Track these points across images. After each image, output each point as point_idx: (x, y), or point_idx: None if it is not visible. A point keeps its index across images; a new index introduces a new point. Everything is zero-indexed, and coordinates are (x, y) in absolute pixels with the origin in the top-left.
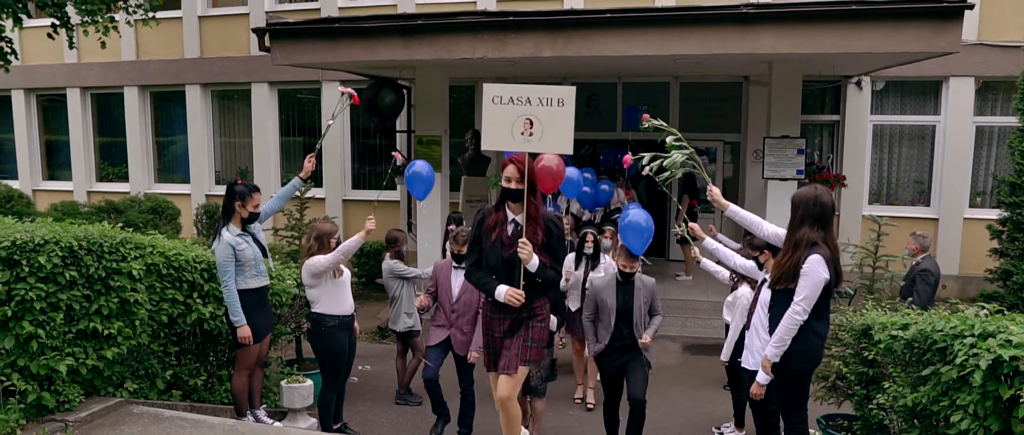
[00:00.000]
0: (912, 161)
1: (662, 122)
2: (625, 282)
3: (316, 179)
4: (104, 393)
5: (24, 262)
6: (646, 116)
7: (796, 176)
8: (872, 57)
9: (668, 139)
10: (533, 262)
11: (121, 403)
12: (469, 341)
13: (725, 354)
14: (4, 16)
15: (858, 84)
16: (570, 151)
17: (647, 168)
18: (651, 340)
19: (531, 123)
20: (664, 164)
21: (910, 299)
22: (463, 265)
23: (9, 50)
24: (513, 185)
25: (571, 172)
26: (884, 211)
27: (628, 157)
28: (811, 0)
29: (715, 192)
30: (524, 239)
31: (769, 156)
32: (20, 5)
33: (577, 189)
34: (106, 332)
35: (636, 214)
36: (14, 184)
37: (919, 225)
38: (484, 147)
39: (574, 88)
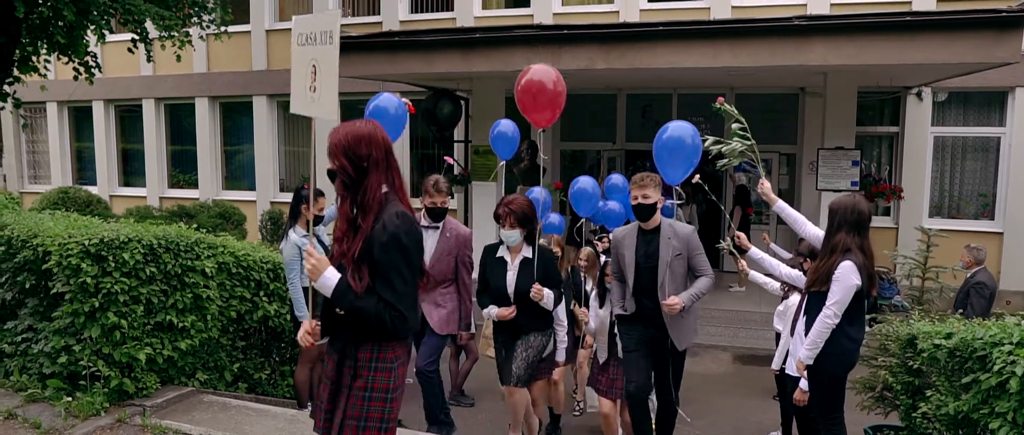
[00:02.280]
0: (976, 174)
1: (733, 109)
2: (648, 227)
3: None
4: (177, 382)
5: (110, 258)
6: (720, 99)
7: (851, 188)
8: (929, 68)
9: (733, 126)
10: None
11: (193, 392)
12: (449, 315)
13: (776, 362)
14: (91, 32)
15: (918, 95)
16: (335, 117)
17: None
18: (681, 305)
19: (315, 72)
20: (723, 151)
21: (961, 311)
22: (437, 224)
23: (94, 64)
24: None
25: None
26: (946, 225)
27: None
28: (864, 12)
29: (766, 185)
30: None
31: (823, 167)
32: (104, 22)
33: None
34: (181, 325)
35: (677, 127)
36: (93, 190)
37: (983, 240)
38: (292, 109)
39: (338, 12)
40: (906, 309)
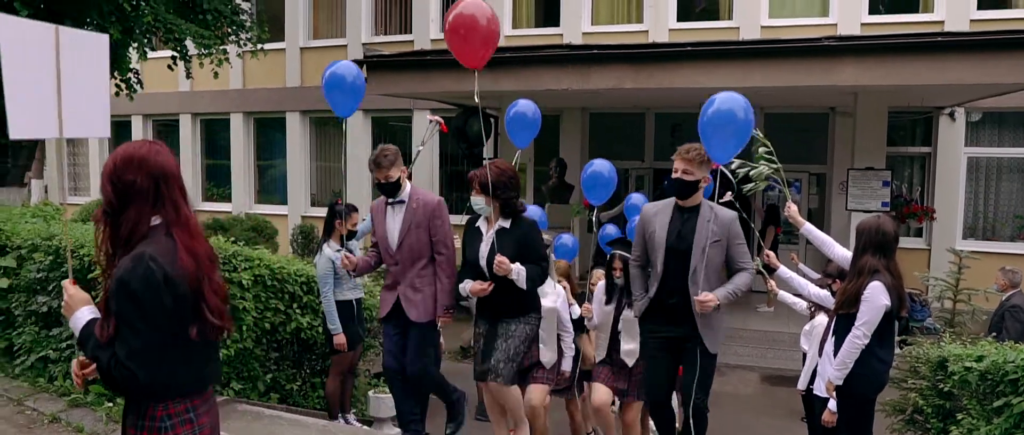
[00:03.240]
0: (1012, 195)
1: (758, 132)
2: (686, 205)
3: None
4: (214, 391)
5: None
6: None
7: (882, 208)
8: (962, 89)
9: (760, 150)
10: (517, 276)
11: (228, 401)
12: (426, 302)
13: (802, 382)
14: (134, 50)
15: (951, 115)
16: (106, 134)
17: (733, 174)
18: (715, 303)
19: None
20: (750, 175)
21: (994, 334)
22: (398, 199)
23: (136, 80)
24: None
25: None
26: (980, 247)
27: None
28: (895, 32)
29: (793, 209)
30: (499, 258)
31: (853, 188)
32: (147, 40)
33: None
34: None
35: (727, 99)
36: None
37: (1018, 262)
38: (12, 136)
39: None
40: (937, 331)
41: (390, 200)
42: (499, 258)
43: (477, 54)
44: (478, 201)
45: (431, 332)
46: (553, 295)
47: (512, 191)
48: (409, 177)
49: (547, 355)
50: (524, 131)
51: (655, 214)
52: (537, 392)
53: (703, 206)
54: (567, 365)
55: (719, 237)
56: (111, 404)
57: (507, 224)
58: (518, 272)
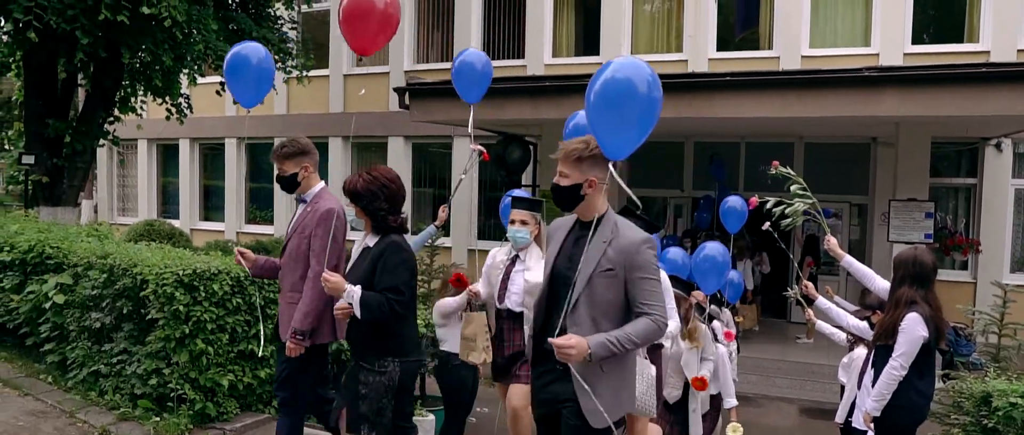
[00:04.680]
0: None
1: (789, 170)
2: (585, 219)
3: (445, 228)
4: (255, 409)
5: (201, 288)
6: (775, 163)
7: (924, 240)
8: (1009, 120)
9: (793, 188)
10: (349, 297)
11: (268, 418)
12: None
13: (840, 415)
14: (185, 76)
15: (998, 146)
16: None
17: (770, 213)
18: (580, 352)
19: None
20: (786, 212)
21: None
22: (302, 198)
23: (186, 105)
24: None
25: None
26: None
27: (754, 199)
28: (938, 62)
29: (832, 242)
30: (326, 272)
31: (895, 219)
32: (197, 67)
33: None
34: (261, 354)
35: (622, 64)
36: (176, 223)
37: None
38: None
39: None
40: (982, 366)
41: (297, 198)
42: (326, 273)
43: (375, 41)
44: (349, 212)
45: (296, 358)
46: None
47: (383, 202)
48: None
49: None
50: (474, 87)
51: (557, 229)
52: (519, 393)
53: (606, 223)
54: None
55: (613, 265)
56: (158, 418)
57: (372, 242)
58: (350, 294)
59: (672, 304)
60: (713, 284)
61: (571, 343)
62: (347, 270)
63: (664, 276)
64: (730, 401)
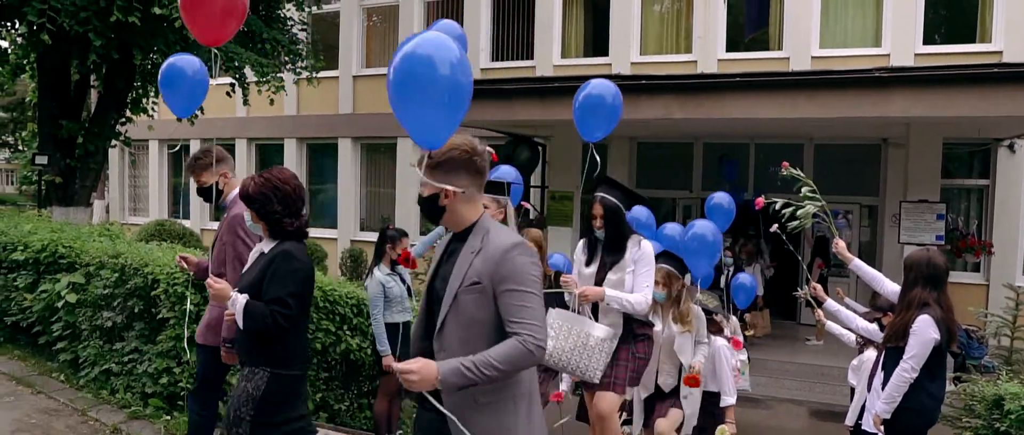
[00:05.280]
0: None
1: (800, 172)
2: (458, 230)
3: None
4: None
5: None
6: (785, 164)
7: (936, 242)
8: (1021, 120)
9: (803, 190)
10: (232, 305)
11: None
12: (210, 323)
13: (850, 418)
14: None
15: (1010, 147)
16: None
17: (778, 214)
18: (424, 379)
19: None
20: (796, 214)
21: None
22: (224, 205)
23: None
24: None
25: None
26: None
27: (760, 200)
28: (949, 63)
29: (841, 245)
30: (210, 278)
31: (906, 221)
32: (209, 68)
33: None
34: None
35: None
36: (186, 223)
37: None
38: None
39: None
40: (994, 369)
41: (219, 205)
42: (210, 279)
43: (220, 31)
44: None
45: (210, 359)
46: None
47: (276, 205)
48: None
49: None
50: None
51: (441, 245)
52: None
53: (477, 231)
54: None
55: (479, 278)
56: (168, 417)
57: (267, 248)
58: (234, 302)
59: (650, 281)
60: (705, 266)
61: (412, 368)
62: (242, 274)
63: (647, 249)
64: (727, 399)
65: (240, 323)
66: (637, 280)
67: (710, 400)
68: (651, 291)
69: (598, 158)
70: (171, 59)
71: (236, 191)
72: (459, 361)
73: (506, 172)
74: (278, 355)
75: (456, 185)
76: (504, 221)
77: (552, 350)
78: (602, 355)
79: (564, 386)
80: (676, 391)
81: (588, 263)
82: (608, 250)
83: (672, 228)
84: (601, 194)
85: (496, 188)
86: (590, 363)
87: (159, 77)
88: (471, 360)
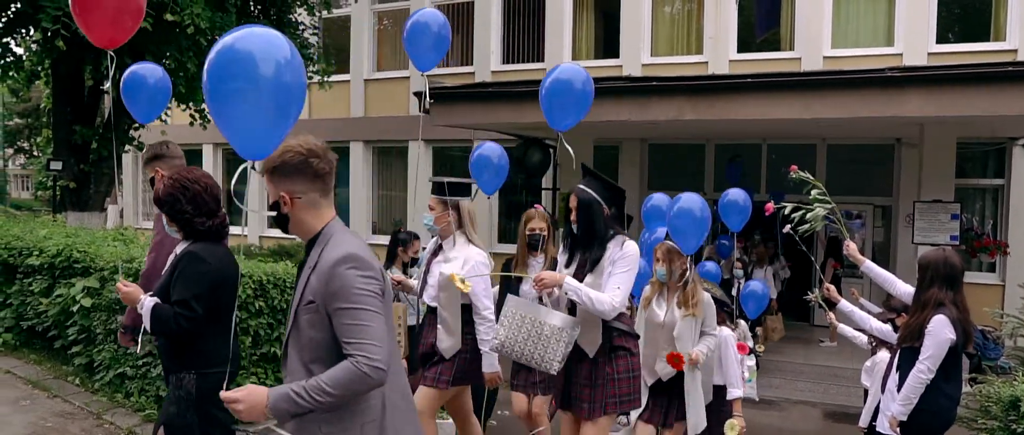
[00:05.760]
0: None
1: (808, 175)
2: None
3: None
4: None
5: None
6: (793, 167)
7: (950, 242)
8: None
9: (813, 192)
10: (141, 308)
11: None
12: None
13: (863, 419)
14: None
15: None
16: None
17: (788, 218)
18: (249, 407)
19: None
20: (806, 217)
21: None
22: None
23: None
24: None
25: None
26: None
27: (770, 205)
28: (964, 62)
29: (852, 247)
30: (120, 283)
31: (920, 221)
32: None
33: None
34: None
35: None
36: None
37: None
38: None
39: None
40: (1010, 370)
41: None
42: (120, 282)
43: (115, 29)
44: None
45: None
46: (461, 261)
47: (186, 205)
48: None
49: (447, 342)
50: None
51: None
52: (420, 395)
53: (318, 244)
54: (489, 364)
55: (314, 296)
56: None
57: (179, 249)
58: (142, 305)
59: (624, 284)
60: (692, 244)
61: (237, 396)
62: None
63: (630, 250)
64: (734, 392)
65: (147, 325)
66: (609, 280)
67: (716, 394)
68: (622, 296)
69: (570, 149)
70: (134, 67)
71: None
72: (289, 387)
73: (491, 150)
74: (200, 358)
75: (293, 191)
76: (460, 225)
77: (504, 339)
78: (559, 345)
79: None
80: (678, 389)
81: (568, 263)
82: (582, 247)
83: (659, 198)
84: (579, 186)
85: (438, 189)
86: (546, 353)
87: (122, 84)
88: (302, 385)
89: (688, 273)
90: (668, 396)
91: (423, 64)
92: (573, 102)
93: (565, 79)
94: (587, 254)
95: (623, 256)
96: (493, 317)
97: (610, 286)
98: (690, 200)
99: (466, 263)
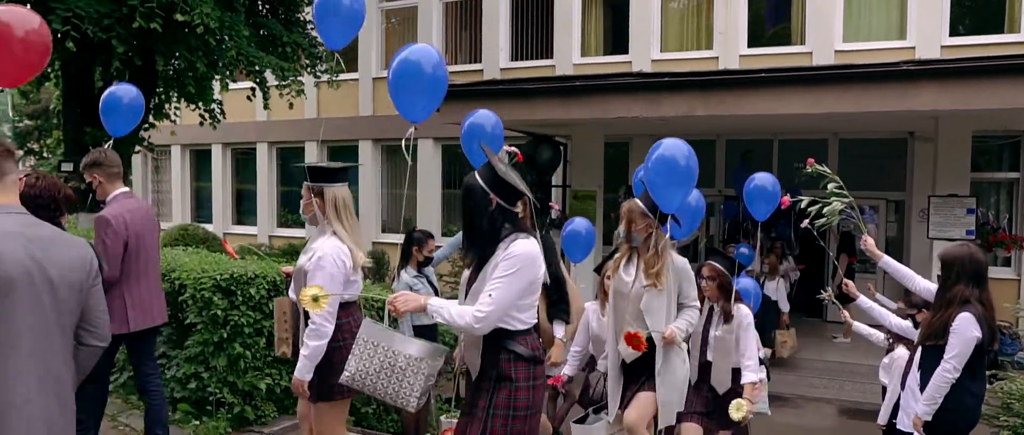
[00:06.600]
0: None
1: (826, 168)
2: None
3: None
4: (291, 412)
5: (238, 292)
6: (811, 160)
7: (966, 237)
8: None
9: (830, 186)
10: None
11: None
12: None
13: (882, 417)
14: (218, 82)
15: None
16: None
17: (805, 212)
18: None
19: None
20: (823, 211)
21: None
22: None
23: (219, 111)
24: None
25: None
26: None
27: (786, 199)
28: (978, 55)
29: (869, 242)
30: None
31: (935, 215)
32: (230, 73)
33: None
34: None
35: (671, 144)
36: (209, 227)
37: None
38: None
39: None
40: None
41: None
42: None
43: (22, 69)
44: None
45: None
46: (310, 253)
47: (43, 211)
48: None
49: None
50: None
51: None
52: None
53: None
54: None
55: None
56: (197, 422)
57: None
58: None
59: (502, 295)
60: (672, 203)
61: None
62: None
63: (517, 250)
64: (749, 376)
65: None
66: (483, 287)
67: (734, 378)
68: (493, 308)
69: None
70: (112, 88)
71: (111, 195)
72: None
73: (485, 117)
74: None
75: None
76: (337, 213)
77: (355, 372)
78: (417, 377)
79: (567, 370)
80: (649, 366)
81: (469, 264)
82: (469, 246)
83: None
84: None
85: (303, 174)
86: (401, 387)
87: (101, 103)
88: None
89: (660, 239)
90: (636, 373)
91: (333, 42)
92: (423, 90)
93: (414, 60)
94: (471, 252)
95: (507, 257)
96: (329, 326)
97: (483, 293)
98: (672, 146)
99: (313, 255)
